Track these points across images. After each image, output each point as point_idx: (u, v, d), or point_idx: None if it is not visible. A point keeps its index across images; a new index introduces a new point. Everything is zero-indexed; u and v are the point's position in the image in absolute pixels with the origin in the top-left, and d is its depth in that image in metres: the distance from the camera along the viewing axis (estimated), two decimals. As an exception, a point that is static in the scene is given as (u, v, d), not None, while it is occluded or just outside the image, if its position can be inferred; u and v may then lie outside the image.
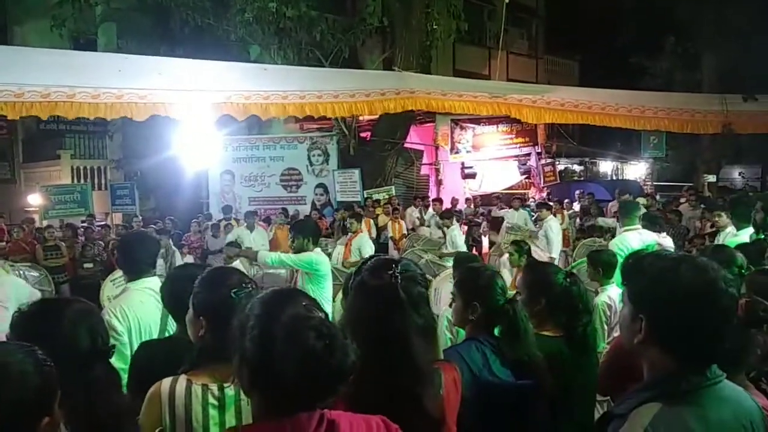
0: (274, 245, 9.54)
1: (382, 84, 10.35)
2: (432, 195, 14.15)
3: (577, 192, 13.33)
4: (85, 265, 8.66)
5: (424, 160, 15.45)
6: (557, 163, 17.19)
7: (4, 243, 8.91)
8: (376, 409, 1.41)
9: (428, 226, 10.66)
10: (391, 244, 10.06)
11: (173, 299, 2.02)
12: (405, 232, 10.47)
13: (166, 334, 2.43)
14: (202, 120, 9.42)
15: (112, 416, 1.51)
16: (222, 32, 12.75)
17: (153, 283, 2.58)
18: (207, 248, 9.95)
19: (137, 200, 13.09)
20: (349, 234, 7.66)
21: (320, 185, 13.57)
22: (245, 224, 9.91)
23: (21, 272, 6.40)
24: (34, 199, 12.62)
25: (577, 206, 12.31)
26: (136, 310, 2.51)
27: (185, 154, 11.53)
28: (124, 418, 1.56)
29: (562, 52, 21.70)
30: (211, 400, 1.64)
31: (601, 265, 4.09)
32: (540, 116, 11.23)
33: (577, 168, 19.80)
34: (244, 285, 1.76)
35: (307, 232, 4.48)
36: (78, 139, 15.61)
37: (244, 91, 9.04)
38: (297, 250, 4.42)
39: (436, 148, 15.72)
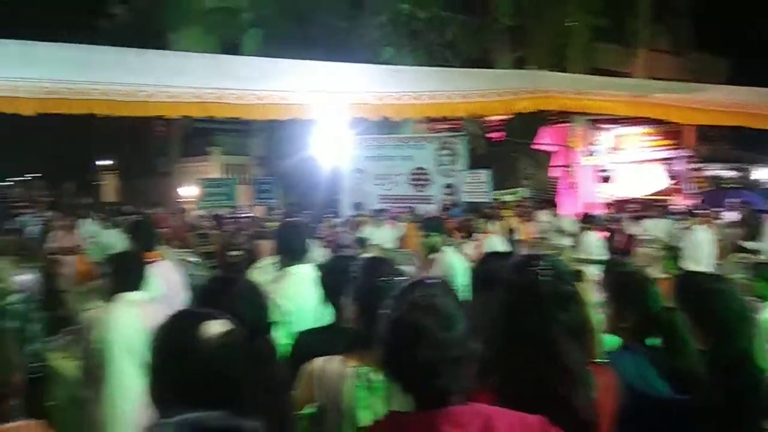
0: (404, 243, 9.71)
1: (515, 83, 10.13)
2: (562, 198, 13.61)
3: (730, 200, 12.12)
4: (232, 253, 9.33)
5: (555, 161, 14.89)
6: (707, 168, 15.78)
7: (164, 230, 9.86)
8: (526, 407, 1.40)
9: (558, 231, 10.28)
10: (519, 248, 9.83)
11: (330, 286, 2.14)
12: (534, 235, 10.18)
13: (321, 320, 2.57)
14: (337, 120, 9.81)
15: (269, 385, 1.61)
16: (357, 35, 13.19)
17: (307, 269, 2.75)
18: (340, 243, 10.34)
19: (278, 195, 13.90)
20: (476, 235, 7.60)
21: (448, 185, 13.58)
22: (375, 221, 10.17)
23: (181, 258, 7.04)
24: (187, 191, 13.87)
25: (729, 215, 11.19)
26: (294, 292, 2.69)
27: (321, 153, 12.08)
28: (280, 388, 1.67)
29: (709, 49, 19.79)
30: (362, 382, 1.72)
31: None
32: (688, 117, 10.37)
33: (729, 174, 18.02)
34: (395, 274, 1.82)
35: (438, 230, 4.52)
36: (227, 136, 16.91)
37: (377, 92, 9.28)
38: (429, 249, 4.48)
39: (568, 149, 15.07)
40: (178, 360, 1.26)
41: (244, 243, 9.46)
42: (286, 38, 14.06)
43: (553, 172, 14.77)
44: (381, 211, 10.78)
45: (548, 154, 14.56)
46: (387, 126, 13.99)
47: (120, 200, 15.93)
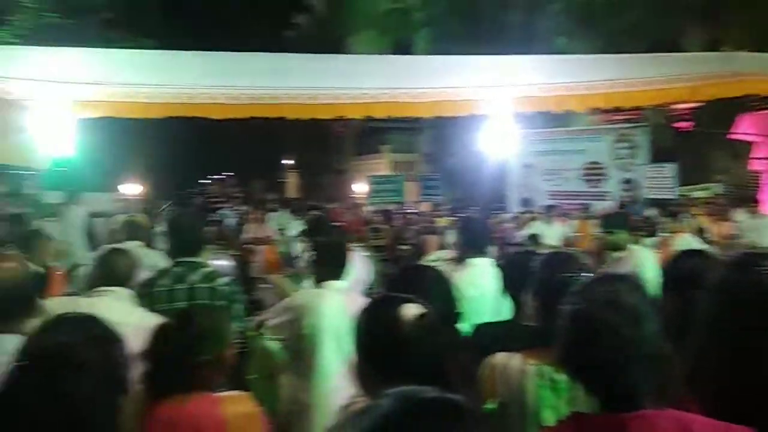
0: (575, 241, 9.29)
1: (708, 67, 9.11)
2: (766, 195, 11.97)
3: None
4: (401, 247, 9.67)
5: (756, 153, 13.13)
6: None
7: (340, 224, 10.51)
8: (732, 417, 1.27)
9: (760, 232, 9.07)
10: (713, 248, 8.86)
11: (510, 281, 2.14)
12: (728, 236, 9.10)
13: (499, 314, 2.58)
14: (506, 114, 9.64)
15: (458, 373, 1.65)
16: (528, 27, 12.84)
17: (487, 262, 2.79)
18: (508, 240, 10.19)
19: (444, 191, 14.10)
20: (663, 235, 7.00)
21: (627, 180, 12.66)
22: (544, 218, 9.86)
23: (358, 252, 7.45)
24: (360, 188, 14.61)
25: None
26: (474, 282, 2.75)
27: (488, 148, 11.98)
28: (467, 378, 1.69)
29: None
30: (545, 381, 1.68)
31: None
32: None
33: None
34: (579, 270, 1.75)
35: (623, 226, 4.26)
36: (397, 135, 17.52)
37: (547, 84, 8.95)
38: (611, 247, 4.22)
39: (775, 139, 13.20)
40: (380, 340, 1.36)
41: (412, 237, 9.73)
42: (457, 35, 14.14)
43: (755, 165, 13.05)
44: (550, 207, 10.40)
45: (748, 144, 12.91)
46: (557, 118, 13.43)
47: (302, 196, 17.29)
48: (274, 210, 10.71)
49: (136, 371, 1.46)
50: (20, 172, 8.63)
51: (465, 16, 14.13)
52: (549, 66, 9.41)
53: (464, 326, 2.45)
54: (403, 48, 15.20)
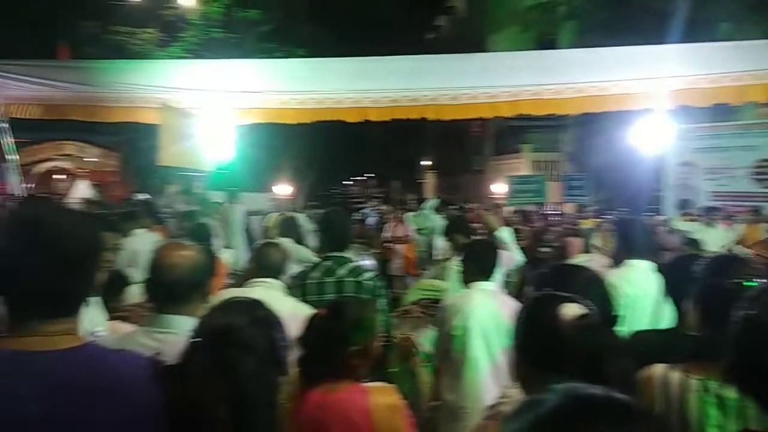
0: (742, 247, 8.36)
1: None
2: None
3: None
4: (542, 249, 9.36)
5: None
6: None
7: (478, 225, 10.41)
8: None
9: None
10: None
11: (672, 288, 1.98)
12: None
13: (658, 321, 2.42)
14: (660, 109, 8.93)
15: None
16: (685, 14, 11.77)
17: (643, 266, 2.66)
18: (664, 244, 9.44)
19: (589, 192, 13.41)
20: None
21: (807, 180, 11.18)
22: (705, 220, 9.01)
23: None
24: (499, 188, 14.36)
25: None
26: (633, 286, 2.62)
27: (640, 145, 11.18)
28: (626, 385, 1.59)
29: None
30: (710, 398, 1.53)
31: None
32: None
33: None
34: (750, 275, 1.58)
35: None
36: (538, 133, 17.00)
37: (709, 75, 8.15)
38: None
39: None
40: (540, 338, 1.34)
41: (554, 240, 9.37)
42: (605, 27, 13.35)
43: None
44: (713, 209, 9.45)
45: None
46: (722, 111, 12.16)
47: (440, 196, 17.40)
48: (412, 210, 10.88)
49: (292, 355, 1.56)
50: (190, 173, 9.62)
51: (613, 5, 13.31)
52: (711, 54, 8.58)
53: (621, 332, 2.33)
54: (547, 44, 14.68)
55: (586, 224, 9.92)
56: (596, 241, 5.36)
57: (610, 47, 9.41)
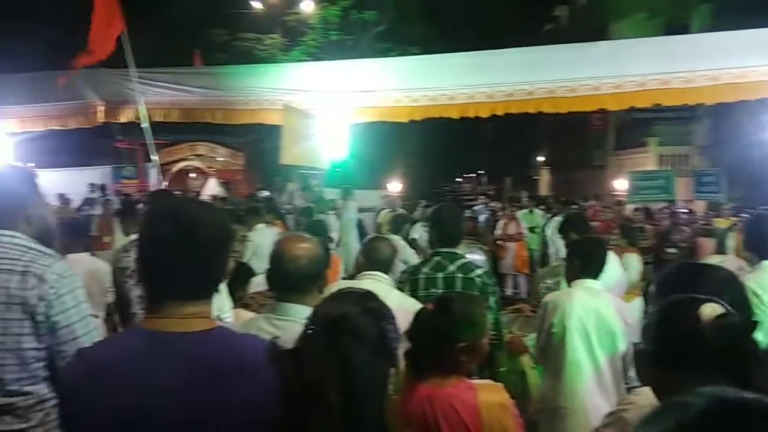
0: None
1: None
2: None
3: None
4: (668, 250, 8.74)
5: None
6: None
7: (596, 223, 9.92)
8: None
9: None
10: None
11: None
12: None
13: None
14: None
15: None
16: None
17: None
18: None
19: (724, 188, 12.29)
20: None
21: None
22: None
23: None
24: (620, 184, 13.57)
25: None
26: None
27: (786, 137, 10.10)
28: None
29: None
30: None
31: None
32: None
33: None
34: None
35: None
36: (665, 125, 15.85)
37: None
38: None
39: None
40: (680, 342, 1.28)
41: (682, 240, 8.72)
42: (742, 8, 12.17)
43: None
44: None
45: None
46: None
47: (555, 193, 16.78)
48: (525, 207, 10.61)
49: (401, 348, 1.60)
50: (308, 171, 10.06)
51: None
52: None
53: (761, 338, 2.14)
54: (677, 30, 13.64)
55: (721, 224, 9.13)
56: (731, 242, 4.96)
57: (747, 30, 8.55)
